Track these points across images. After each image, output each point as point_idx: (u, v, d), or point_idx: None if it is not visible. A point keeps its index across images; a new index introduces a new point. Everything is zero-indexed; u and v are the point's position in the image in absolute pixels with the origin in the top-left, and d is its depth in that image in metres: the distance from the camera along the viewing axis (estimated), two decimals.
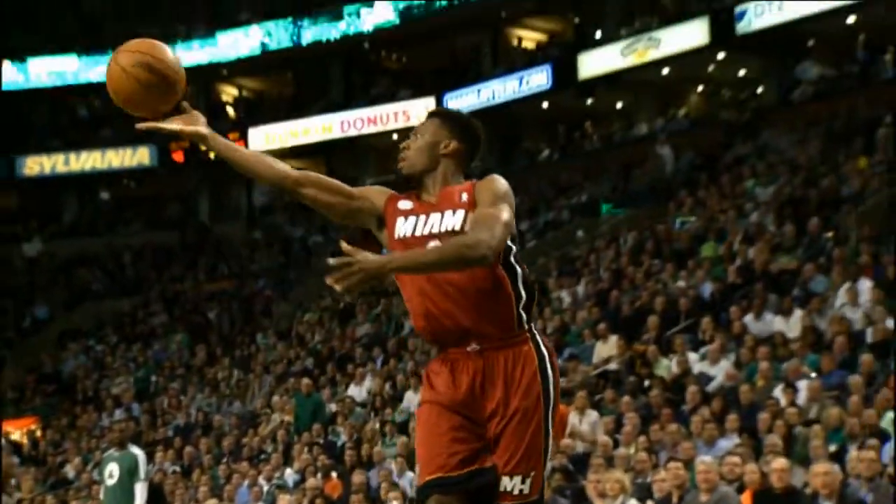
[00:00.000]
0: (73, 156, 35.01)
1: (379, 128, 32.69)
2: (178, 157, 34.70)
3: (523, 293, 4.74)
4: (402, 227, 4.85)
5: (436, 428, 4.74)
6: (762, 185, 21.68)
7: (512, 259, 4.79)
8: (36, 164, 34.98)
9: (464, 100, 31.59)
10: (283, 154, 34.19)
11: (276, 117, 34.23)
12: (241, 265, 33.12)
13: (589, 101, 31.30)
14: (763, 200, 20.85)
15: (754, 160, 23.74)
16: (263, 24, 33.91)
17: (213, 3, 35.33)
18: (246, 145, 33.79)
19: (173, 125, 4.78)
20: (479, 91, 31.70)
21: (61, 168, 35.00)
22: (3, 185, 35.53)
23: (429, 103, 32.14)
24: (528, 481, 4.69)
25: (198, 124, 4.78)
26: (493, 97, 31.26)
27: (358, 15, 33.07)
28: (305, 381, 19.60)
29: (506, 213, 4.69)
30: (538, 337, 4.83)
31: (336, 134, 33.46)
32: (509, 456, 4.67)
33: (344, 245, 4.27)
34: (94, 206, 36.40)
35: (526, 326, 4.80)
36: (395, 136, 32.49)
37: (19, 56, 34.92)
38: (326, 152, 34.24)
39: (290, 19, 33.65)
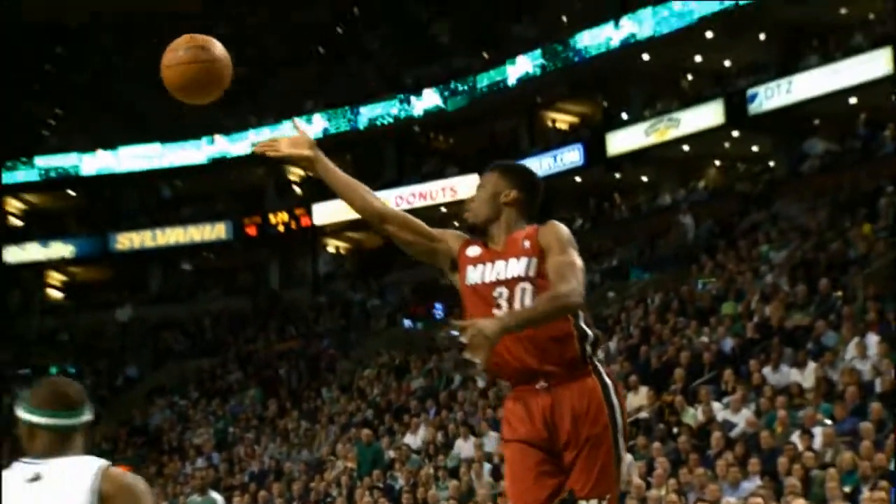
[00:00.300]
0: (158, 232, 35.29)
1: (429, 202, 32.70)
2: (251, 231, 34.90)
3: (587, 331, 4.64)
4: (472, 275, 4.76)
5: (522, 465, 4.65)
6: (776, 249, 21.56)
7: None
8: (126, 240, 35.27)
9: None
10: (344, 226, 34.47)
11: (337, 195, 34.24)
12: (308, 327, 32.96)
13: (617, 176, 31.30)
14: (777, 263, 20.74)
15: (768, 227, 23.61)
16: (325, 112, 34.16)
17: (281, 94, 35.57)
18: (311, 220, 34.13)
19: (282, 150, 4.69)
20: None
21: (149, 243, 35.29)
22: (98, 259, 36.02)
23: (474, 179, 32.19)
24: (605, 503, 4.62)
25: (304, 148, 4.67)
26: None
27: (409, 102, 33.25)
28: (366, 431, 19.55)
29: (578, 258, 4.60)
30: (601, 368, 4.72)
31: None
32: (585, 481, 4.57)
33: (456, 322, 4.24)
34: (177, 276, 36.61)
35: (589, 360, 4.69)
36: (443, 209, 32.60)
37: (111, 144, 35.39)
38: None
39: (347, 108, 33.88)
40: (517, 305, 4.62)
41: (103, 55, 38.60)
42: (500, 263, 4.71)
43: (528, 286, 4.64)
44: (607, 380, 4.69)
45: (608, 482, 4.61)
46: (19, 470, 3.56)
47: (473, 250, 4.80)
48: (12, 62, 38.07)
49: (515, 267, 4.68)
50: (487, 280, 4.70)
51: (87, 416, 3.65)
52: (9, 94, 37.64)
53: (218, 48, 4.73)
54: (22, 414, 3.66)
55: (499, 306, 4.63)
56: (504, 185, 4.81)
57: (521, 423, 4.65)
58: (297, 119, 4.64)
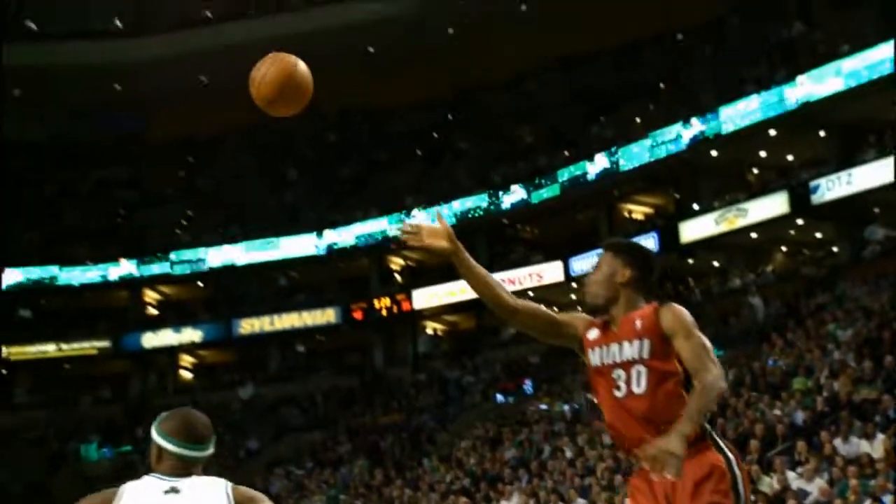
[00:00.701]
0: (276, 317, 35.60)
1: (517, 287, 32.57)
2: (358, 315, 35.13)
3: None
4: (594, 357, 4.61)
5: None
6: (842, 328, 21.18)
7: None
8: (248, 325, 35.66)
9: (586, 262, 31.47)
10: (440, 310, 34.55)
11: (434, 281, 34.33)
12: (409, 402, 32.89)
13: (690, 261, 31.05)
14: (843, 341, 20.39)
15: (834, 308, 23.22)
16: (423, 207, 34.28)
17: (384, 192, 35.95)
18: (411, 305, 34.25)
19: (422, 240, 4.52)
20: (598, 255, 31.46)
21: (267, 327, 35.61)
22: (223, 343, 36.54)
23: (557, 266, 32.23)
24: None
25: (443, 239, 4.49)
26: None
27: (497, 196, 33.41)
28: (464, 498, 19.51)
29: (704, 337, 4.44)
30: (721, 441, 4.53)
31: None
32: None
33: (644, 452, 4.06)
34: (292, 357, 36.84)
35: (708, 435, 4.50)
36: (530, 294, 32.47)
37: (234, 240, 36.09)
38: (476, 308, 34.25)
39: (442, 203, 34.09)
40: (634, 387, 4.46)
41: (228, 162, 39.52)
42: (615, 346, 4.55)
43: (642, 368, 4.47)
44: (728, 452, 4.50)
45: None
46: (153, 482, 3.64)
47: (593, 333, 4.65)
48: (151, 170, 39.20)
49: (629, 350, 4.51)
50: (606, 362, 4.55)
51: (210, 450, 3.72)
52: (147, 198, 38.67)
53: (292, 58, 4.84)
54: (155, 436, 3.72)
55: (618, 388, 4.50)
56: (618, 264, 4.65)
57: (644, 498, 4.50)
58: (439, 211, 4.56)
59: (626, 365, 4.51)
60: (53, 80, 36.27)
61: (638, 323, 4.54)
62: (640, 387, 4.47)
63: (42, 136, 38.50)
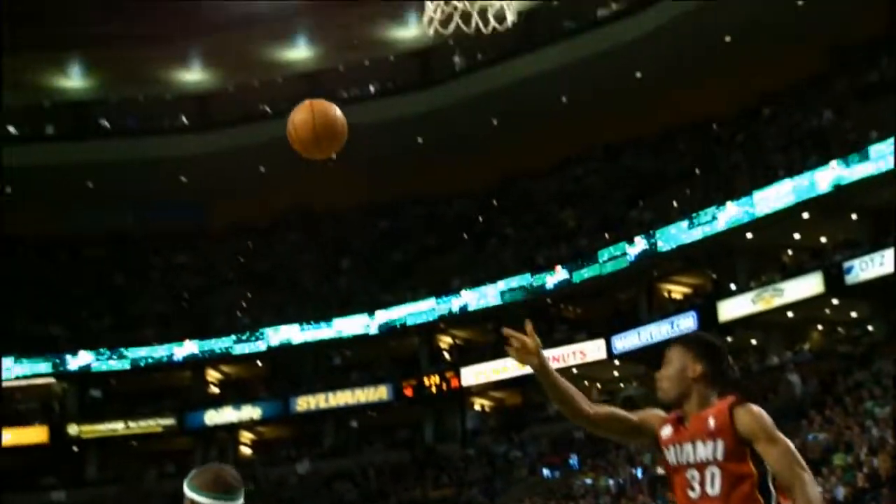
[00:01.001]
0: (330, 395, 35.54)
1: (560, 364, 32.46)
2: (409, 392, 35.10)
3: (771, 491, 4.20)
4: (668, 455, 4.40)
5: None
6: (880, 405, 20.84)
7: (769, 482, 4.25)
8: (305, 402, 35.58)
9: (627, 340, 31.45)
10: (488, 387, 34.41)
11: (481, 359, 34.30)
12: (459, 476, 32.65)
13: (729, 340, 30.70)
14: (881, 418, 20.05)
15: (871, 385, 22.87)
16: (470, 288, 34.50)
17: (432, 274, 36.09)
18: (460, 382, 34.17)
19: (515, 353, 4.40)
20: (639, 333, 31.41)
21: (322, 404, 35.54)
22: (281, 420, 36.49)
23: (600, 344, 32.09)
24: None
25: (533, 356, 4.37)
26: (651, 338, 30.91)
27: (542, 278, 33.42)
28: None
29: (786, 439, 4.20)
30: None
31: (528, 371, 33.26)
32: None
33: None
34: (346, 433, 36.82)
35: None
36: (574, 371, 32.35)
37: (294, 321, 36.13)
38: (521, 384, 34.15)
39: (489, 284, 34.18)
40: (708, 489, 4.25)
41: (284, 247, 39.87)
42: (688, 446, 4.33)
43: (716, 470, 4.25)
44: None
45: None
46: None
47: (667, 430, 4.44)
48: (213, 256, 39.64)
49: (703, 451, 4.28)
50: (681, 462, 4.34)
51: (240, 501, 3.73)
52: (210, 282, 39.05)
53: (324, 102, 4.93)
54: (187, 491, 3.74)
55: (692, 488, 4.31)
56: (689, 359, 4.42)
57: None
58: (529, 326, 4.38)
59: (701, 466, 4.29)
60: (124, 173, 36.98)
61: (711, 422, 4.31)
62: (714, 489, 4.25)
63: (113, 226, 39.04)
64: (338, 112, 5.04)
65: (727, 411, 4.27)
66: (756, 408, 4.28)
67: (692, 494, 4.29)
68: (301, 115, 4.98)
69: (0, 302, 35.51)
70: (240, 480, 3.84)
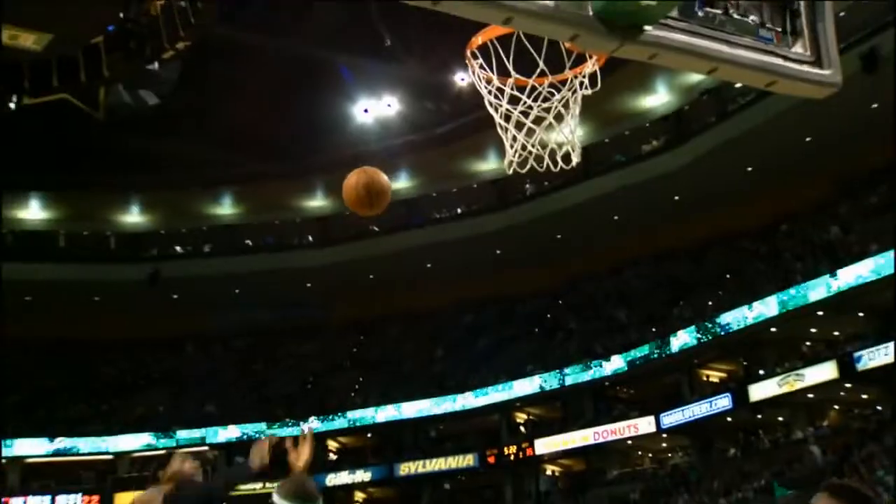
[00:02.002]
0: (427, 461, 35.57)
1: (618, 437, 32.49)
2: (491, 460, 34.98)
3: None
4: None
5: None
6: (891, 474, 20.68)
7: None
8: (406, 468, 35.63)
9: (672, 417, 31.29)
10: (558, 455, 34.24)
11: (551, 432, 34.32)
12: None
13: (759, 416, 30.59)
14: (892, 485, 19.91)
15: (881, 456, 22.65)
16: (541, 374, 34.72)
17: (510, 361, 36.32)
18: (534, 451, 34.09)
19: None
20: (682, 411, 31.28)
21: (421, 469, 35.56)
22: (387, 482, 36.33)
23: (650, 420, 31.89)
24: None
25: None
26: (693, 415, 30.83)
27: (601, 365, 33.51)
28: None
29: None
30: None
31: (591, 441, 33.25)
32: None
33: None
34: (440, 494, 36.78)
35: None
36: (629, 442, 32.27)
37: (395, 400, 36.76)
38: (585, 454, 34.10)
39: (557, 370, 34.48)
40: None
41: (390, 338, 40.11)
42: None
43: None
44: None
45: None
46: None
47: None
48: (332, 346, 40.24)
49: None
50: None
51: None
52: (329, 368, 39.62)
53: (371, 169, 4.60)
54: (276, 499, 3.68)
55: None
56: None
57: None
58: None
59: None
60: (263, 281, 37.57)
61: None
62: None
63: (254, 323, 39.36)
64: (383, 177, 4.68)
65: None
66: None
67: None
68: (352, 178, 4.64)
69: (170, 389, 36.53)
70: (318, 489, 3.76)
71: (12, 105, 8.67)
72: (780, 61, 3.57)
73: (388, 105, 34.85)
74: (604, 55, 3.63)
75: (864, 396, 28.64)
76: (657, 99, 33.95)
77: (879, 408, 27.76)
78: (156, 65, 9.32)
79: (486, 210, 36.75)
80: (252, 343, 40.21)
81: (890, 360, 25.50)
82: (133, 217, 38.76)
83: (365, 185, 4.53)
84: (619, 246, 35.32)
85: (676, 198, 32.92)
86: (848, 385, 27.76)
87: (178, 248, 38.46)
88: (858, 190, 30.06)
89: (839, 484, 3.51)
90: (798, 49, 3.62)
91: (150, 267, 36.84)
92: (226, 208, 39.73)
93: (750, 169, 30.90)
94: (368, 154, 35.91)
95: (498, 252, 36.51)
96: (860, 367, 26.33)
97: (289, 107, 32.31)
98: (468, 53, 5.34)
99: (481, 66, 5.31)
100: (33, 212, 37.69)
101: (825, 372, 27.42)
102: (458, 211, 37.92)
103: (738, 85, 26.54)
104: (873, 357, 26.00)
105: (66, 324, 36.22)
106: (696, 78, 30.50)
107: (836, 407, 29.91)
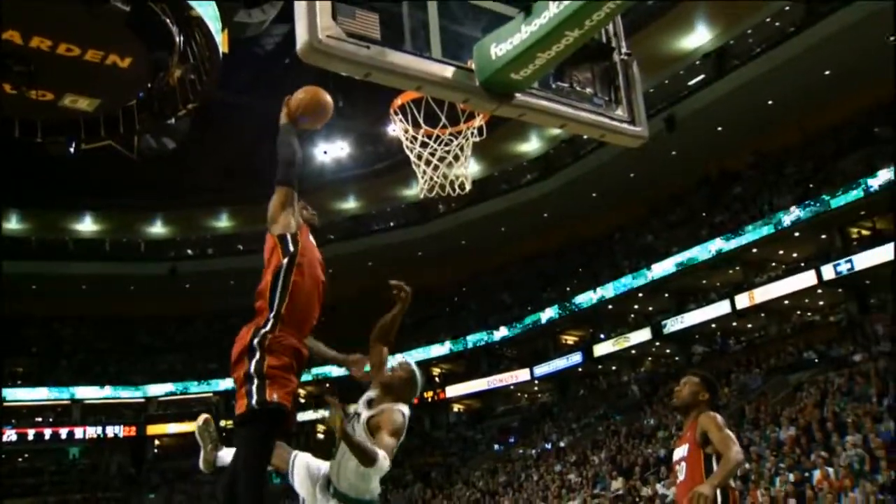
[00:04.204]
0: None
1: (504, 384, 31.37)
2: (415, 402, 32.29)
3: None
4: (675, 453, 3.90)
5: None
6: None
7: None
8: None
9: (542, 369, 30.27)
10: (462, 398, 32.36)
11: (457, 381, 32.91)
12: (444, 450, 31.41)
13: (599, 367, 29.81)
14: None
15: None
16: (450, 341, 33.23)
17: (430, 334, 35.00)
18: (445, 394, 32.59)
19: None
20: (548, 364, 30.39)
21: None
22: None
23: (527, 371, 30.82)
24: None
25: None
26: (556, 367, 30.00)
27: (493, 333, 32.10)
28: None
29: (729, 432, 3.64)
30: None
31: (485, 387, 32.12)
32: None
33: (689, 495, 3.30)
34: None
35: None
36: (511, 387, 31.15)
37: None
38: (481, 396, 32.65)
39: (461, 338, 33.29)
40: (681, 476, 3.81)
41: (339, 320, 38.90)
42: (681, 447, 3.88)
43: (685, 464, 3.81)
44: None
45: None
46: None
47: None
48: None
49: (681, 451, 3.86)
50: (676, 458, 3.92)
51: None
52: None
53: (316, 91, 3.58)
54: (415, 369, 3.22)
55: (677, 475, 3.89)
56: (702, 389, 3.89)
57: None
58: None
59: (680, 461, 3.84)
60: (251, 275, 35.71)
61: (689, 433, 3.82)
62: (684, 476, 3.79)
63: (241, 305, 38.16)
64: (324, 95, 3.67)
65: (697, 423, 3.74)
66: (714, 414, 3.76)
67: (678, 479, 3.88)
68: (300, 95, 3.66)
69: (185, 352, 35.32)
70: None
71: (71, 149, 8.80)
72: (607, 120, 3.58)
73: (342, 148, 34.76)
74: (487, 113, 3.68)
75: (668, 351, 28.84)
76: (530, 145, 33.84)
77: (677, 358, 27.70)
78: (173, 120, 9.35)
79: (411, 223, 35.91)
80: (241, 321, 38.47)
81: (685, 326, 25.88)
82: (157, 229, 37.92)
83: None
84: (504, 249, 34.78)
85: (545, 215, 32.58)
86: (657, 343, 27.70)
87: (189, 251, 37.68)
88: (664, 210, 30.20)
89: (697, 371, 3.99)
90: (619, 112, 3.63)
91: (170, 265, 36.30)
92: (224, 222, 38.52)
93: (595, 195, 30.75)
94: (326, 182, 35.54)
95: (420, 254, 35.54)
96: (665, 331, 26.29)
97: (269, 148, 31.61)
98: (391, 111, 5.43)
99: (401, 120, 5.40)
100: (86, 225, 37.07)
101: (643, 335, 27.23)
102: (391, 224, 37.06)
103: (585, 137, 26.61)
104: (674, 325, 26.22)
105: (112, 305, 36.00)
106: (556, 131, 30.58)
107: (650, 359, 30.10)
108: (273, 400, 3.07)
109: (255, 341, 3.25)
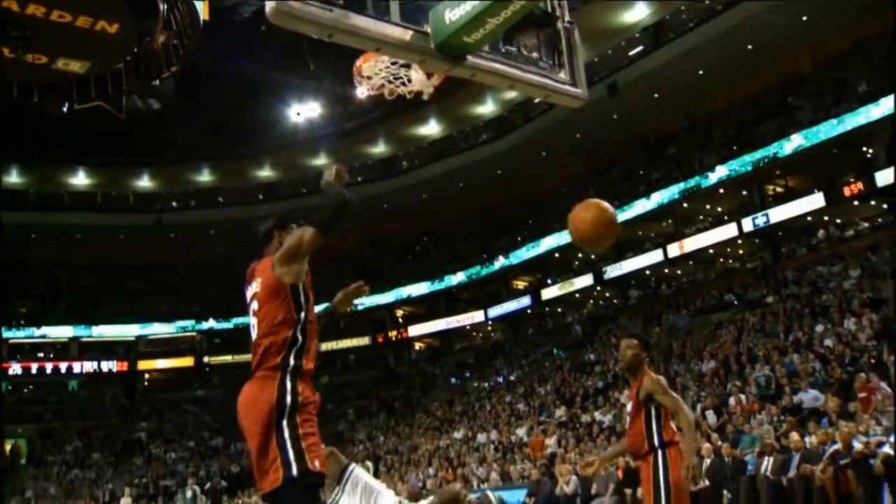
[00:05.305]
0: (338, 342, 33.49)
1: (461, 324, 31.38)
2: (380, 340, 33.55)
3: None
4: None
5: None
6: (618, 338, 19.19)
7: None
8: (323, 346, 33.10)
9: (495, 310, 30.16)
10: (423, 337, 32.33)
11: (419, 321, 32.76)
12: (407, 384, 31.42)
13: (546, 309, 30.08)
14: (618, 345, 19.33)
15: (615, 332, 22.42)
16: (413, 284, 33.00)
17: (395, 278, 34.61)
18: (408, 333, 32.38)
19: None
20: (501, 306, 30.43)
21: (333, 347, 33.57)
22: None
23: (482, 313, 30.80)
24: None
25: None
26: (508, 309, 30.06)
27: (451, 279, 32.08)
28: None
29: (671, 391, 3.72)
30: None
31: (444, 327, 32.25)
32: None
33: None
34: (346, 362, 35.14)
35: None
36: (467, 327, 30.69)
37: (317, 302, 34.65)
38: (440, 335, 32.75)
39: (423, 281, 33.11)
40: (628, 426, 3.93)
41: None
42: (630, 403, 3.98)
43: (630, 417, 3.94)
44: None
45: None
46: None
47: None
48: None
49: (629, 406, 3.97)
50: (628, 411, 4.02)
51: None
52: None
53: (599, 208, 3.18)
54: None
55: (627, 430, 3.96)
56: (641, 349, 3.94)
57: None
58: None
59: (628, 414, 3.97)
60: (228, 227, 33.84)
61: (634, 391, 3.81)
62: (631, 429, 3.90)
63: (220, 253, 35.19)
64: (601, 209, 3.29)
65: (641, 383, 3.76)
66: (655, 376, 3.80)
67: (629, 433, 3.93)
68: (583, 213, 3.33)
69: (169, 295, 34.73)
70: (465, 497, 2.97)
71: (64, 109, 8.87)
72: (551, 82, 3.56)
73: (313, 109, 33.91)
74: (442, 73, 3.54)
75: (607, 295, 28.84)
76: (486, 108, 33.27)
77: (616, 301, 27.87)
78: (157, 82, 9.37)
79: (378, 178, 35.24)
80: (220, 268, 36.81)
81: (623, 272, 26.26)
82: (144, 183, 36.93)
83: (602, 222, 3.28)
84: (462, 203, 34.34)
85: (499, 171, 32.24)
86: (598, 288, 27.73)
87: (173, 204, 36.84)
88: (606, 168, 29.95)
89: (634, 333, 4.09)
90: (562, 75, 3.61)
91: (156, 216, 35.55)
92: (205, 177, 37.44)
93: (544, 153, 30.59)
94: (299, 141, 34.93)
95: (385, 206, 34.80)
96: (606, 277, 26.42)
97: (249, 109, 31.20)
98: (355, 70, 5.31)
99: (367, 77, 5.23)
100: (80, 179, 36.02)
101: (586, 280, 27.34)
102: (359, 179, 35.74)
103: (538, 100, 26.45)
104: (613, 271, 26.27)
105: (104, 253, 35.36)
106: (510, 94, 30.37)
107: (591, 302, 30.41)
108: (315, 469, 2.53)
109: (287, 401, 2.60)
